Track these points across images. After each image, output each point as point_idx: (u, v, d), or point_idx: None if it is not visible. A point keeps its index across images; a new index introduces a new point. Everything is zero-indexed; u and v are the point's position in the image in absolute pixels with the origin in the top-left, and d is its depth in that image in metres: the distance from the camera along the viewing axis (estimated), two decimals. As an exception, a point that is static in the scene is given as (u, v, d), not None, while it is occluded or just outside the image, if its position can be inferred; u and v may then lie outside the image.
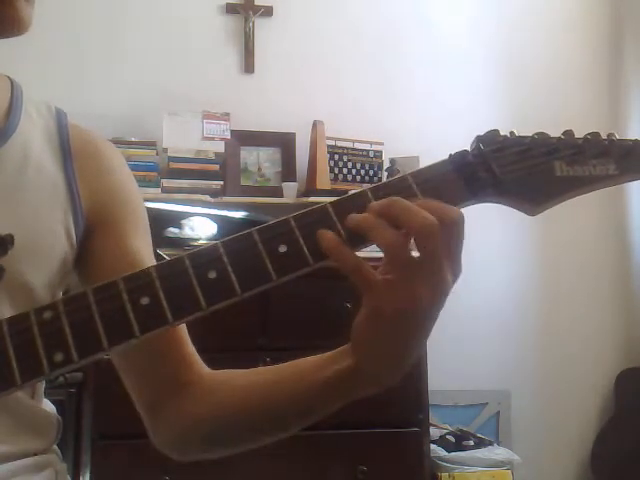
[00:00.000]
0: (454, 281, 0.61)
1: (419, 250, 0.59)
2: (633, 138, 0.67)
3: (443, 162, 0.65)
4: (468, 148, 0.67)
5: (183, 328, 0.85)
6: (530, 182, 0.64)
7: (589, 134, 0.67)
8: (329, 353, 0.71)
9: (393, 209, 0.59)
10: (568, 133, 0.67)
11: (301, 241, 0.59)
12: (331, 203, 0.62)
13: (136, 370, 0.85)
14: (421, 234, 0.58)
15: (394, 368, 0.66)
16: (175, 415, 0.83)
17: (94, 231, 0.86)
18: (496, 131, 0.67)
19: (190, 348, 0.86)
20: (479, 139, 0.66)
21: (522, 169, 0.64)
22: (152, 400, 0.85)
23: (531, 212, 0.65)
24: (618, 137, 0.67)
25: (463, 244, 0.60)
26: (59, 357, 0.55)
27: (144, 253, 0.87)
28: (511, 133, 0.67)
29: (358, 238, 0.60)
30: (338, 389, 0.69)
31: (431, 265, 0.59)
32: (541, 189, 0.64)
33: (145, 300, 0.56)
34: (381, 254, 0.60)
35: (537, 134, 0.67)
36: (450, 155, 0.65)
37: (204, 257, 0.58)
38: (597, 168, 0.65)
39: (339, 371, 0.68)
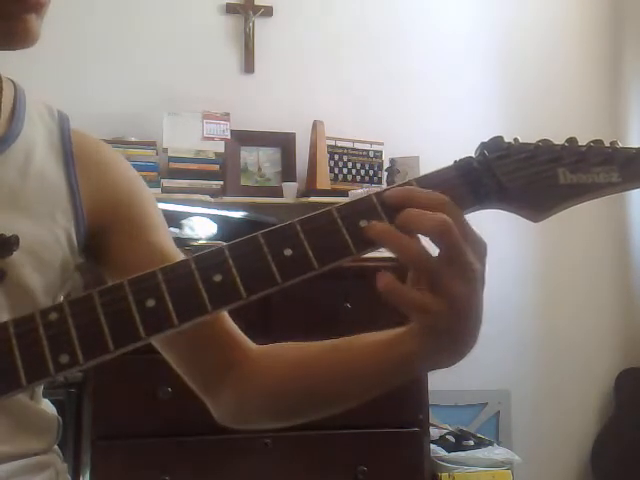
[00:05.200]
0: (482, 259, 0.62)
1: (440, 248, 0.60)
2: (636, 145, 0.67)
3: (448, 168, 0.65)
4: (471, 152, 0.67)
5: None
6: (534, 189, 0.65)
7: (592, 141, 0.68)
8: (391, 334, 0.71)
9: (403, 219, 0.60)
10: (572, 140, 0.67)
11: (306, 245, 0.59)
12: (336, 207, 0.61)
13: (184, 358, 0.87)
14: (437, 234, 0.59)
15: (454, 358, 0.67)
16: (229, 394, 0.85)
17: (104, 234, 0.87)
18: (500, 138, 0.67)
19: (232, 327, 0.87)
20: (484, 146, 0.66)
21: (526, 176, 0.65)
22: (205, 383, 0.87)
23: (534, 219, 0.66)
24: (621, 145, 0.68)
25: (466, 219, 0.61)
26: (65, 359, 0.55)
27: (166, 247, 0.88)
28: (515, 140, 0.67)
29: (366, 243, 0.60)
30: (400, 369, 0.71)
31: (456, 258, 0.60)
32: (545, 196, 0.65)
33: (151, 302, 0.56)
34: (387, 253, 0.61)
35: (541, 141, 0.67)
36: (455, 161, 0.65)
37: (210, 260, 0.58)
38: (600, 176, 0.66)
39: (404, 353, 0.68)
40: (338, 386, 0.77)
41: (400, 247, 0.59)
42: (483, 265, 0.62)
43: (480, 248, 0.62)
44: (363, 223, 0.60)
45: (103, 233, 0.87)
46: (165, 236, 0.91)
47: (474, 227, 0.62)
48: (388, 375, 0.72)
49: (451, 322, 0.62)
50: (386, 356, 0.70)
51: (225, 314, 0.86)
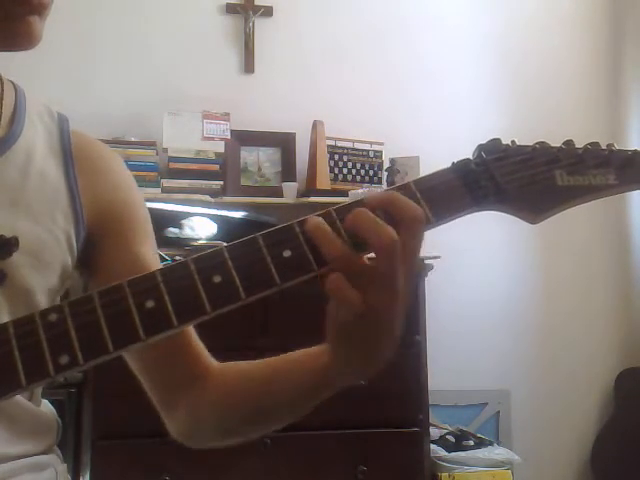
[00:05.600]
0: (411, 281, 0.61)
1: (377, 262, 0.59)
2: (632, 148, 0.68)
3: (445, 170, 0.65)
4: (471, 152, 0.67)
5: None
6: (531, 191, 0.65)
7: (589, 144, 0.68)
8: (318, 347, 0.73)
9: (353, 221, 0.59)
10: (569, 143, 0.68)
11: (305, 246, 0.59)
12: (335, 209, 0.62)
13: (147, 368, 0.87)
14: (382, 252, 0.59)
15: (367, 367, 0.68)
16: (187, 409, 0.85)
17: (98, 236, 0.87)
18: (498, 140, 0.68)
19: (198, 343, 0.88)
20: (481, 147, 0.67)
21: (524, 178, 0.65)
22: (166, 396, 0.87)
23: (532, 221, 0.66)
24: (617, 147, 0.68)
25: (421, 245, 0.61)
26: (65, 360, 0.55)
27: (149, 258, 0.88)
28: (512, 142, 0.68)
29: (360, 245, 0.60)
30: (322, 380, 0.72)
31: (386, 276, 0.59)
32: (542, 198, 0.65)
33: (150, 304, 0.56)
34: None
35: (538, 143, 0.68)
36: (453, 163, 0.66)
37: (209, 261, 0.58)
38: (597, 178, 0.67)
39: (325, 364, 0.70)
40: (277, 398, 0.78)
41: (330, 252, 0.59)
42: (408, 286, 0.61)
43: (412, 274, 0.61)
44: None
45: (99, 236, 0.87)
46: (150, 245, 0.91)
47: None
48: (313, 387, 0.73)
49: (365, 330, 0.62)
50: (312, 368, 0.72)
51: (191, 328, 0.87)
